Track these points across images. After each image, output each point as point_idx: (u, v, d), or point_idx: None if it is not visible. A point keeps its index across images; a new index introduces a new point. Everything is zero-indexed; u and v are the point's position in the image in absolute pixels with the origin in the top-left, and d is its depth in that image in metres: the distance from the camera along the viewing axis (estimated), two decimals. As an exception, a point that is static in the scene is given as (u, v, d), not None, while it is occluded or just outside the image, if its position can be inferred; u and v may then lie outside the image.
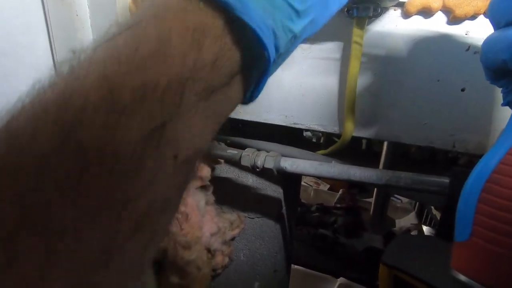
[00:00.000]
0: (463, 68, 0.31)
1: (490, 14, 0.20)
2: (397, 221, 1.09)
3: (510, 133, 0.19)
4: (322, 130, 0.39)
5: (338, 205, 1.27)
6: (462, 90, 0.32)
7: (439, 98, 0.33)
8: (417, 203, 1.23)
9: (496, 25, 0.20)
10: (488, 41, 0.20)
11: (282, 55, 0.16)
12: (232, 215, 0.53)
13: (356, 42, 0.31)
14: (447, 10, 0.30)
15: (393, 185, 0.34)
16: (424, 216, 1.11)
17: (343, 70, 0.35)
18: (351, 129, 0.36)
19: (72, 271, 0.11)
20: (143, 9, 0.13)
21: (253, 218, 0.55)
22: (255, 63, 0.14)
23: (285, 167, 0.39)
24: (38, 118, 0.11)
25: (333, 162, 0.41)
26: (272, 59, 0.14)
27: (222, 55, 0.13)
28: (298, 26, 0.15)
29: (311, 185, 1.55)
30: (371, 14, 0.30)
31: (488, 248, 0.19)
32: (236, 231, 0.53)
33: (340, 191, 1.39)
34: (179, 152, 0.13)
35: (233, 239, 0.54)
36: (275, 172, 0.40)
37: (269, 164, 0.40)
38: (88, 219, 0.11)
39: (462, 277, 0.20)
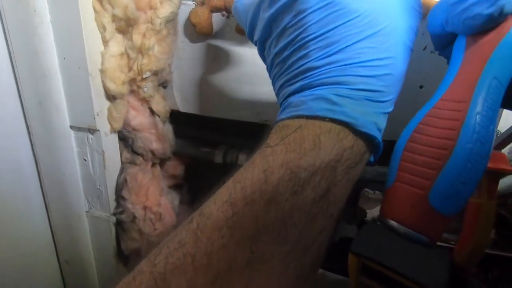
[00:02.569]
0: (421, 67, 0.33)
1: None
2: (368, 211, 1.13)
3: (439, 91, 0.21)
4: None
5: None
6: (421, 87, 0.34)
7: (401, 94, 0.35)
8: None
9: None
10: (431, 10, 0.22)
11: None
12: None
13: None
14: (406, 11, 0.31)
15: (360, 178, 0.35)
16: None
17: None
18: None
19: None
20: (291, 127, 0.20)
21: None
22: (373, 148, 0.21)
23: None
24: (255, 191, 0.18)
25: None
26: (381, 145, 0.21)
27: (356, 143, 0.20)
28: (384, 124, 0.22)
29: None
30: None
31: (409, 190, 0.20)
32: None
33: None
34: (333, 211, 0.19)
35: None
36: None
37: (243, 161, 0.40)
38: (287, 255, 0.18)
39: (390, 222, 0.21)
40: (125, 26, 0.33)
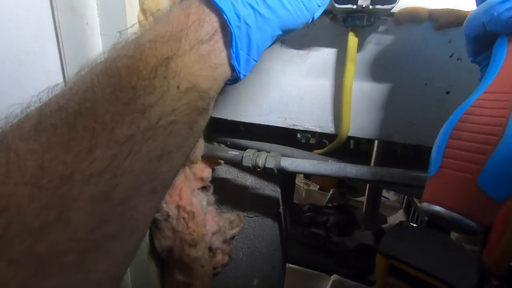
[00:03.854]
0: (448, 73, 0.34)
1: None
2: (388, 218, 1.13)
3: (482, 86, 0.22)
4: (319, 131, 0.41)
5: (330, 205, 1.30)
6: (447, 93, 0.35)
7: (427, 100, 0.36)
8: (404, 201, 1.28)
9: (478, 3, 0.23)
10: (472, 13, 0.23)
11: (251, 27, 0.23)
12: (231, 215, 0.55)
13: (352, 48, 0.34)
14: (433, 19, 0.33)
15: (387, 181, 0.37)
16: (411, 213, 1.16)
17: (339, 75, 0.38)
18: (347, 129, 0.38)
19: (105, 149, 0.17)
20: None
21: (251, 217, 0.56)
22: (225, 28, 0.22)
23: (286, 166, 0.41)
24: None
25: (330, 160, 0.44)
26: (233, 25, 0.22)
27: (202, 19, 0.21)
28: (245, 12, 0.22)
29: (301, 186, 1.58)
30: (364, 23, 0.32)
31: (456, 175, 0.21)
32: (235, 230, 0.55)
33: (331, 191, 1.43)
34: (180, 83, 0.20)
35: (232, 238, 0.56)
36: (276, 171, 0.42)
37: (270, 164, 0.42)
38: (120, 115, 0.18)
39: (434, 207, 0.22)
40: (166, 36, 0.36)
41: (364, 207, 0.85)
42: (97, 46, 0.34)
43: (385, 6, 0.30)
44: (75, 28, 0.34)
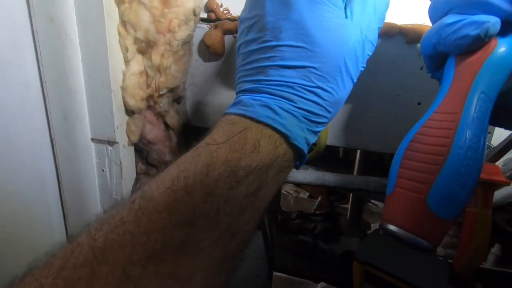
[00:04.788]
0: (419, 85, 0.36)
1: (429, 14, 0.25)
2: (372, 225, 1.14)
3: (433, 105, 0.24)
4: (298, 140, 0.42)
5: (318, 212, 1.31)
6: (419, 103, 0.36)
7: (400, 110, 0.37)
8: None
9: (432, 23, 0.25)
10: (425, 33, 0.25)
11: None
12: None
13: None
14: (403, 34, 0.34)
15: (363, 188, 0.37)
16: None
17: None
18: (325, 139, 0.39)
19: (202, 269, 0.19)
20: (237, 125, 0.23)
21: (235, 226, 0.57)
22: (300, 157, 0.25)
23: (266, 175, 0.42)
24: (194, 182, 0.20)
25: (309, 169, 0.45)
26: (306, 156, 0.25)
27: (288, 152, 0.23)
28: (314, 140, 0.26)
29: (291, 193, 1.59)
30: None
31: (408, 195, 0.22)
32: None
33: (319, 198, 1.44)
34: (261, 206, 0.22)
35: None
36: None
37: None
38: (216, 239, 0.20)
39: (390, 227, 0.23)
40: (146, 47, 0.36)
41: (348, 214, 0.86)
42: (75, 56, 0.35)
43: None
44: (53, 38, 0.34)
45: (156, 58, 0.36)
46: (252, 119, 0.23)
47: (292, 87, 0.23)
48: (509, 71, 0.22)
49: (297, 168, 0.26)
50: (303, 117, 0.23)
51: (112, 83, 0.35)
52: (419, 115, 0.36)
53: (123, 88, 0.37)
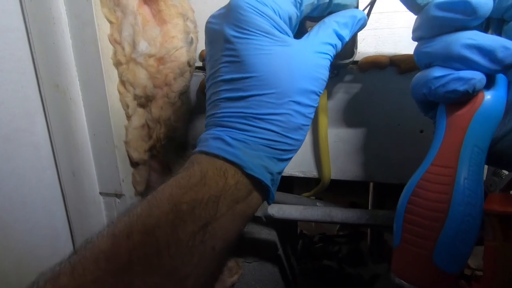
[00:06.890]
0: (419, 113, 0.35)
1: (415, 59, 0.25)
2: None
3: (430, 156, 0.23)
4: (302, 175, 0.41)
5: (341, 233, 1.26)
6: (421, 131, 0.35)
7: (401, 140, 0.36)
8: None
9: (420, 67, 0.25)
10: (414, 80, 0.25)
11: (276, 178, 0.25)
12: (229, 262, 0.54)
13: (322, 100, 0.35)
14: (395, 65, 0.34)
15: (372, 223, 0.36)
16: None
17: (314, 123, 0.39)
18: (328, 174, 0.39)
19: None
20: (188, 162, 0.23)
21: (250, 263, 0.55)
22: (262, 188, 0.24)
23: (273, 214, 0.41)
24: (132, 223, 0.19)
25: (317, 204, 0.44)
26: (269, 183, 0.23)
27: (240, 181, 0.22)
28: (279, 168, 0.24)
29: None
30: (330, 76, 0.34)
31: (414, 251, 0.22)
32: (235, 277, 0.54)
33: (340, 219, 1.39)
34: (215, 244, 0.21)
35: (232, 285, 0.55)
36: (264, 219, 0.42)
37: (257, 213, 0.42)
38: (160, 285, 0.18)
39: (396, 280, 0.23)
40: (145, 101, 0.38)
41: (369, 237, 0.82)
42: (80, 117, 0.37)
43: (345, 61, 0.31)
44: (59, 103, 0.36)
45: (155, 111, 0.38)
46: (204, 152, 0.23)
47: (244, 117, 0.23)
48: (498, 122, 0.22)
49: (268, 202, 0.25)
50: (263, 145, 0.23)
51: (115, 139, 0.37)
52: (422, 143, 0.35)
53: (126, 142, 0.38)
